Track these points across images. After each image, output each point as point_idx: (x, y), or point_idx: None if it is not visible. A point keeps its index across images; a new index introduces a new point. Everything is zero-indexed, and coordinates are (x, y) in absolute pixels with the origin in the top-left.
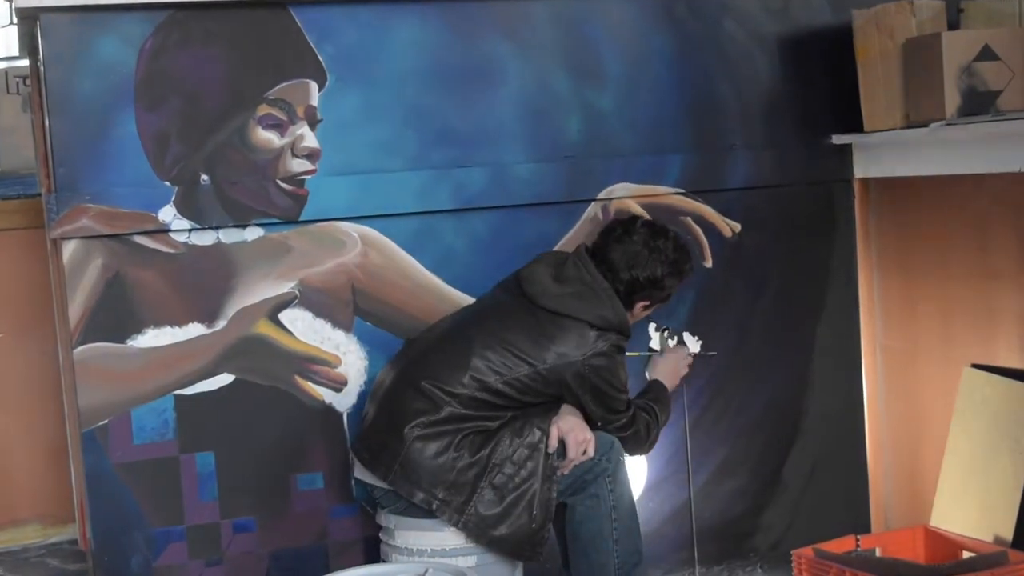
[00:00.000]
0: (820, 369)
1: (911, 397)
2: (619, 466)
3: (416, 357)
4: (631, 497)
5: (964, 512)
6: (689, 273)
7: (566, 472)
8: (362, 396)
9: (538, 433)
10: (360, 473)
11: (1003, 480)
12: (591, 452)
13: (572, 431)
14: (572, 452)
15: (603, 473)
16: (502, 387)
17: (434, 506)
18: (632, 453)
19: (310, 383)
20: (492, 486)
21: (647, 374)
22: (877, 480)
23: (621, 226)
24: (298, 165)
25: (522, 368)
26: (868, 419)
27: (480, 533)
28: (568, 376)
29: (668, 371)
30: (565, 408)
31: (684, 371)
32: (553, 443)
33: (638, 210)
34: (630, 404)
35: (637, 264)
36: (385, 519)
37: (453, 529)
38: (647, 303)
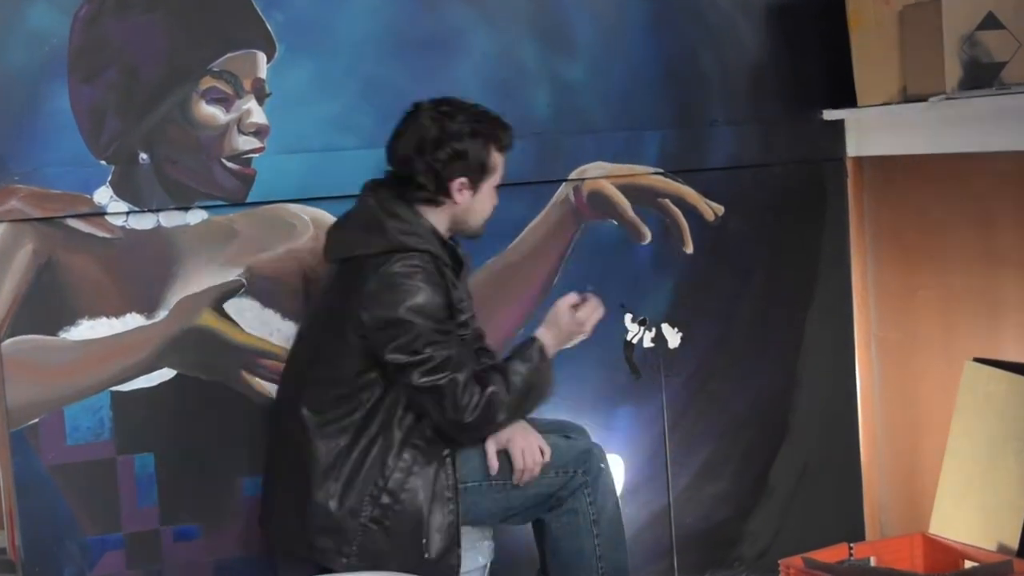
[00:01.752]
0: (810, 363)
1: (908, 393)
2: (600, 475)
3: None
4: (616, 508)
5: (966, 518)
6: (502, 138)
7: (528, 480)
8: None
9: (407, 457)
10: None
11: (1008, 483)
12: (547, 453)
13: (511, 440)
14: (519, 461)
15: (580, 487)
16: (320, 369)
17: (316, 557)
18: (445, 420)
19: (258, 378)
20: (373, 520)
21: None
22: (872, 483)
23: (403, 119)
24: (245, 142)
25: (326, 335)
26: (862, 417)
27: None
28: (351, 321)
29: (554, 329)
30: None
31: (578, 331)
32: (492, 463)
33: (612, 191)
34: (439, 343)
35: (425, 142)
36: None
37: None
38: (464, 180)
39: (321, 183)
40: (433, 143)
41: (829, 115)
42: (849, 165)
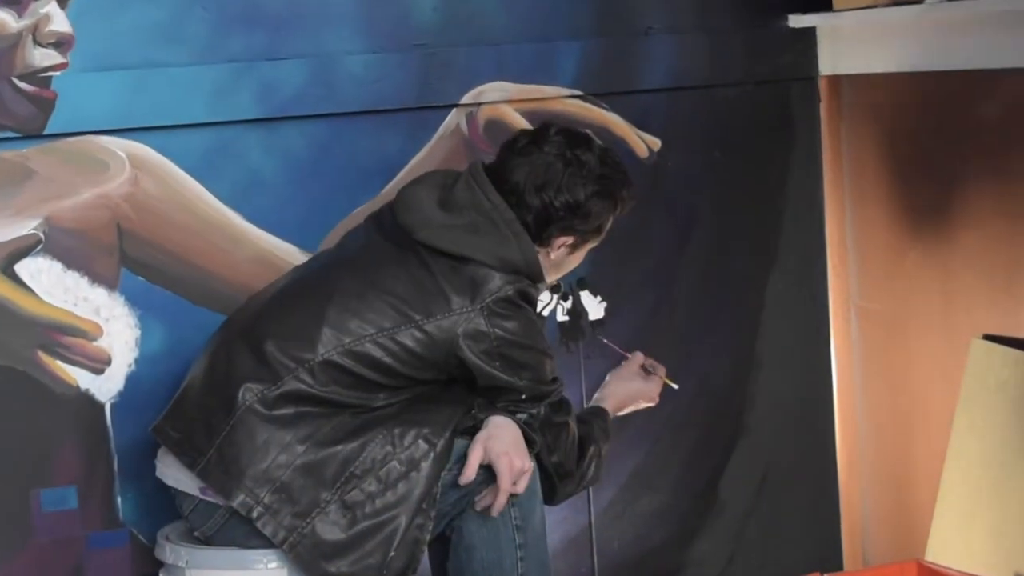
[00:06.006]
0: (772, 341)
1: (899, 380)
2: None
3: (257, 312)
4: (543, 521)
5: (972, 541)
6: (628, 200)
7: (487, 507)
8: (131, 379)
9: (423, 446)
10: (165, 467)
11: None
12: (522, 487)
13: (506, 453)
14: (505, 481)
15: None
16: (373, 350)
17: (255, 513)
18: (561, 471)
19: (59, 361)
20: (342, 502)
21: (597, 394)
22: (852, 496)
23: (527, 135)
24: (42, 57)
25: (400, 324)
26: (839, 410)
27: (311, 564)
28: (461, 335)
29: (621, 398)
30: (497, 420)
31: (642, 404)
32: (470, 473)
33: (515, 119)
34: (557, 379)
35: (549, 183)
36: (172, 554)
37: (275, 559)
38: (569, 239)
39: (141, 109)
40: (556, 190)
41: (796, 21)
42: (822, 86)
